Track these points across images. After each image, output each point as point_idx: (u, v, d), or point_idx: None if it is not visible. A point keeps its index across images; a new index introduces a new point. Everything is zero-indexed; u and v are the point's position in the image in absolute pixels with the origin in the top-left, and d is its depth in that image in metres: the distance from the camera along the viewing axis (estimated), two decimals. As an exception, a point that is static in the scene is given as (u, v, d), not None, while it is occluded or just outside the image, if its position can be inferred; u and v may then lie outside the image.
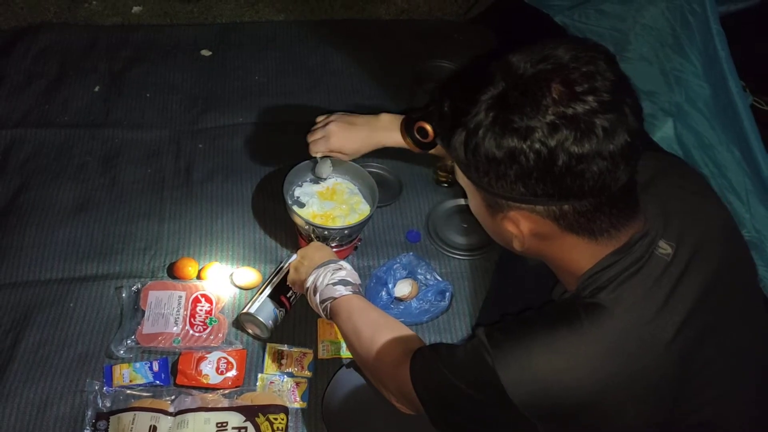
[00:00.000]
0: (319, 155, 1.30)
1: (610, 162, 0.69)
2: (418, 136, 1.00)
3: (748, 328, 0.82)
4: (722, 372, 0.77)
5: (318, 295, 1.10)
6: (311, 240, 1.33)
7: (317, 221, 1.33)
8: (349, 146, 1.25)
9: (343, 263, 1.15)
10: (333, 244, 1.33)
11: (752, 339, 0.83)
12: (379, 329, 1.01)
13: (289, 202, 1.32)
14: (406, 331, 1.01)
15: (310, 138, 1.29)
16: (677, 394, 0.75)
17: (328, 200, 1.39)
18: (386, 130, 1.22)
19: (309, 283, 1.13)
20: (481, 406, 0.79)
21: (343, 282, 1.09)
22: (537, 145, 0.68)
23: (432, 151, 1.17)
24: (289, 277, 1.25)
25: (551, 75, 0.69)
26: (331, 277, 1.10)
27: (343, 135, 1.25)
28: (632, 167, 0.72)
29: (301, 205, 1.37)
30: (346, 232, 1.32)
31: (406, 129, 1.03)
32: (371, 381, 1.00)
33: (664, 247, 0.76)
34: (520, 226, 0.77)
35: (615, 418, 0.74)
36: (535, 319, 0.77)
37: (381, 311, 1.07)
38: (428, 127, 0.96)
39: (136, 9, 1.96)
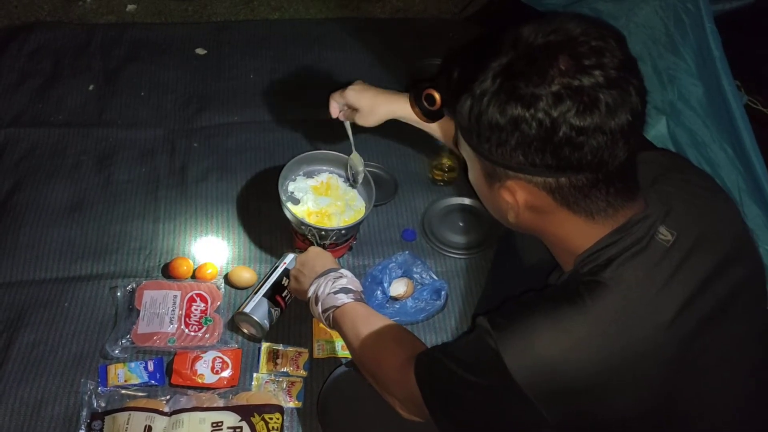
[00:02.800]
0: (335, 108, 1.28)
1: (609, 138, 0.69)
2: (425, 104, 1.01)
3: (748, 327, 0.82)
4: (717, 364, 0.78)
5: (320, 304, 1.10)
6: (306, 237, 1.33)
7: (312, 219, 1.33)
8: (363, 101, 1.23)
9: (344, 271, 1.14)
10: (328, 243, 1.33)
11: (751, 338, 0.82)
12: (382, 336, 1.00)
13: (284, 198, 1.32)
14: (410, 336, 1.01)
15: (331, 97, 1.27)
16: (674, 380, 0.75)
17: (322, 196, 1.39)
18: (403, 101, 1.20)
19: (311, 293, 1.13)
20: (487, 395, 0.78)
21: (345, 290, 1.09)
22: (540, 115, 0.69)
23: (436, 127, 1.16)
24: (291, 287, 1.25)
25: (560, 47, 0.70)
26: (332, 286, 1.10)
27: (359, 88, 1.24)
28: (631, 147, 0.72)
29: (296, 202, 1.37)
30: (342, 231, 1.32)
31: (415, 98, 1.04)
32: (377, 389, 0.99)
33: (665, 234, 0.76)
34: (516, 196, 0.77)
35: (616, 398, 0.74)
36: (536, 300, 0.77)
37: (384, 317, 1.06)
38: (436, 94, 0.97)
39: (130, 7, 1.95)
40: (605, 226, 0.77)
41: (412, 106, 1.05)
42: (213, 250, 1.42)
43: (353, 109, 1.25)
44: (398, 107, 1.21)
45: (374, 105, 1.22)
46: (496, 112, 0.71)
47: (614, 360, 0.72)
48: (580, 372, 0.72)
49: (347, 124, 1.31)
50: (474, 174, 0.84)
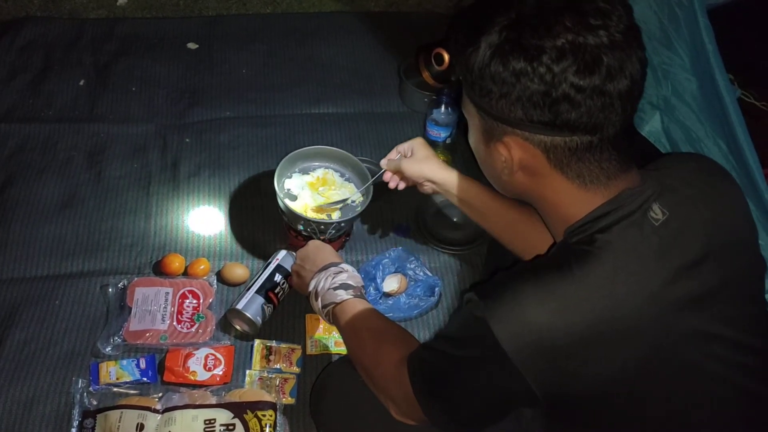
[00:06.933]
0: (393, 153, 1.26)
1: (607, 100, 0.71)
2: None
3: (740, 312, 0.81)
4: (702, 344, 0.77)
5: (320, 300, 1.09)
6: (300, 234, 1.32)
7: (310, 214, 1.32)
8: (422, 152, 1.21)
9: (345, 265, 1.13)
10: (327, 237, 1.31)
11: (743, 322, 0.81)
12: (380, 335, 0.99)
13: (281, 194, 1.31)
14: (409, 336, 1.00)
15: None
16: (657, 353, 0.74)
17: (319, 191, 1.38)
18: (450, 171, 1.19)
19: (311, 287, 1.12)
20: (475, 369, 0.77)
21: (344, 286, 1.08)
22: (542, 69, 0.70)
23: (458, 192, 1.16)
24: (293, 282, 1.24)
25: (568, 5, 0.71)
26: (332, 282, 1.08)
27: (425, 142, 1.23)
28: (627, 114, 0.74)
29: (293, 198, 1.36)
30: (342, 224, 1.31)
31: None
32: (373, 391, 0.98)
33: (656, 212, 0.77)
34: (512, 152, 0.78)
35: (601, 365, 0.73)
36: (523, 269, 0.77)
37: (383, 315, 1.05)
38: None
39: (121, 2, 1.93)
40: (597, 195, 0.77)
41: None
42: (205, 246, 1.42)
43: (405, 156, 1.23)
44: (443, 172, 1.19)
45: (427, 159, 1.20)
46: (499, 65, 0.73)
47: (600, 324, 0.72)
48: (566, 336, 0.71)
49: (383, 173, 1.26)
50: (473, 134, 0.86)
